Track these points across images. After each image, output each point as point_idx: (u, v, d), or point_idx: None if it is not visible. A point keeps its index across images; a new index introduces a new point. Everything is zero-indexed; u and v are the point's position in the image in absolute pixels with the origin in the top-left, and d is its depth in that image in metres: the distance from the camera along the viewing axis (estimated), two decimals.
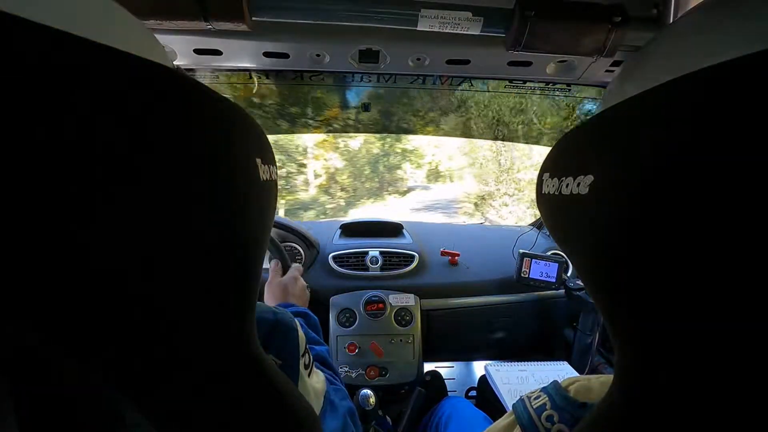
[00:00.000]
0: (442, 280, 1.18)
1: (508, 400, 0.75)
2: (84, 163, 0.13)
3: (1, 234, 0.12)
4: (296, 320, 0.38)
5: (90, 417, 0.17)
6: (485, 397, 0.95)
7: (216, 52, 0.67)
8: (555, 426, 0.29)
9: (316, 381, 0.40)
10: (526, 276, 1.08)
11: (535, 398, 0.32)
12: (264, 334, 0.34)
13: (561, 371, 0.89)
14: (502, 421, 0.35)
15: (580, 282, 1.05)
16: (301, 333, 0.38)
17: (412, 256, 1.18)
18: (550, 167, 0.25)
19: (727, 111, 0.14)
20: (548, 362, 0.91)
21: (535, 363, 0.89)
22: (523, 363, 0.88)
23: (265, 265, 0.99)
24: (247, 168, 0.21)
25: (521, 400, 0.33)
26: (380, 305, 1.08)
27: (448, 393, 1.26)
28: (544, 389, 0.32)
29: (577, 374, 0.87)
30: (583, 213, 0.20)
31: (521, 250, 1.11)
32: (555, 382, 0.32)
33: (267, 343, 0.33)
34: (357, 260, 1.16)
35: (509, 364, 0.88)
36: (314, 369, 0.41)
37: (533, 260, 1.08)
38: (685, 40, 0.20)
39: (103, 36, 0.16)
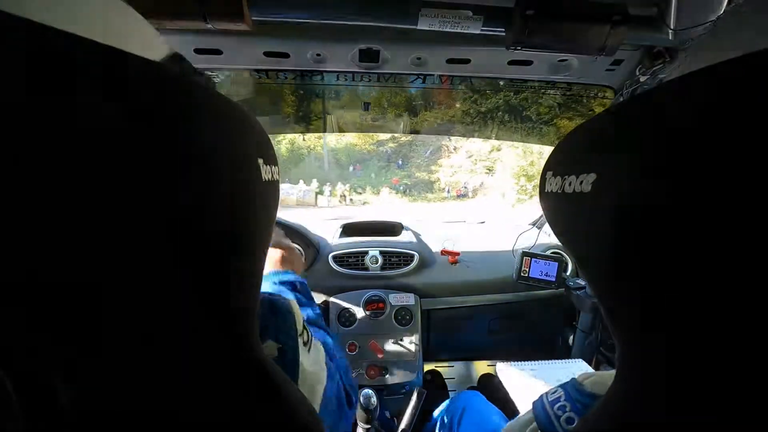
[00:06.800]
0: (442, 280, 1.18)
1: (518, 400, 0.75)
2: (80, 163, 0.13)
3: None
4: (291, 300, 0.39)
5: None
6: (486, 395, 0.95)
7: (216, 52, 0.67)
8: (565, 414, 0.31)
9: (315, 355, 0.41)
10: (526, 275, 1.08)
11: (552, 393, 0.34)
12: (261, 314, 0.34)
13: (574, 368, 0.87)
14: (524, 417, 0.38)
15: (579, 281, 1.05)
16: (297, 312, 0.39)
17: (412, 256, 1.18)
18: (553, 166, 0.25)
19: (730, 108, 0.14)
20: (561, 360, 0.89)
21: (548, 362, 0.88)
22: (534, 363, 0.87)
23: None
24: (250, 169, 0.21)
25: (540, 397, 0.35)
26: (380, 305, 1.08)
27: (449, 392, 1.26)
28: (562, 385, 0.34)
29: (592, 369, 0.86)
30: (586, 210, 0.21)
31: (521, 250, 1.11)
32: (573, 378, 0.34)
33: (265, 325, 0.35)
34: (357, 260, 1.16)
35: (521, 364, 0.87)
36: (313, 342, 0.42)
37: (533, 259, 1.08)
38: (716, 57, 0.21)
39: (112, 36, 0.16)
